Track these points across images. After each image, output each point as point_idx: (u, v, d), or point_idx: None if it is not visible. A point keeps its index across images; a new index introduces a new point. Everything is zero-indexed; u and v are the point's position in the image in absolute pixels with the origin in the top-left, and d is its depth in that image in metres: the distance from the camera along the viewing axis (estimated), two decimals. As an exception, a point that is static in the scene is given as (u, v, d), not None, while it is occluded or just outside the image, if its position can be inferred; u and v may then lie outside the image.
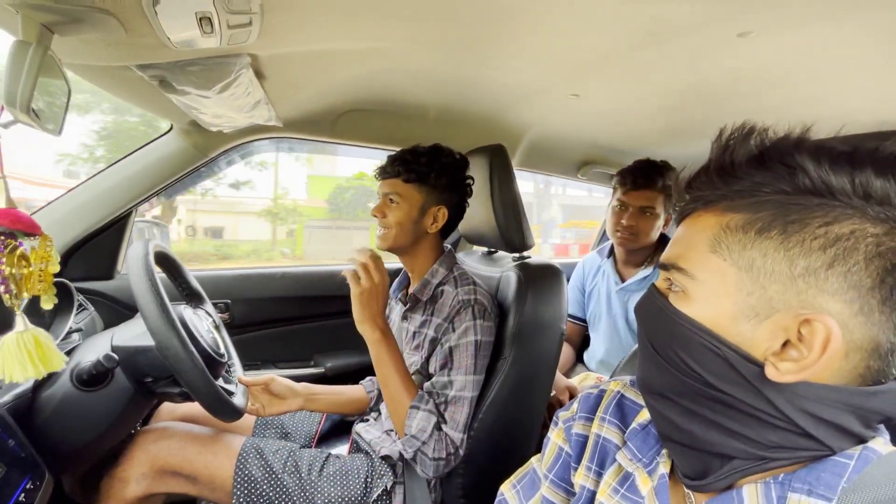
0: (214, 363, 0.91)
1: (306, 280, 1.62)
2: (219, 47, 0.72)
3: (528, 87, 1.20)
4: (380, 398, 1.22)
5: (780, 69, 0.97)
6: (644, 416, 0.52)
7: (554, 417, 0.61)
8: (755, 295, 0.38)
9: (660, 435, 0.47)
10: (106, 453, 0.93)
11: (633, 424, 0.52)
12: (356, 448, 1.14)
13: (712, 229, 0.40)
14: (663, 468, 0.46)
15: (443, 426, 0.96)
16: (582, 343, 1.73)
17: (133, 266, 0.82)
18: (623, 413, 0.54)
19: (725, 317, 0.39)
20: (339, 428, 1.24)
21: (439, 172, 1.04)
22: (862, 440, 0.38)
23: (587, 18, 0.81)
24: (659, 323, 0.43)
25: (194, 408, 1.10)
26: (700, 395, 0.40)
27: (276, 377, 1.11)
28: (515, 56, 1.00)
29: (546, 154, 1.74)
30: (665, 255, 0.45)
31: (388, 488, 1.00)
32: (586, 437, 0.55)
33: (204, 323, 0.97)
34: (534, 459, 0.62)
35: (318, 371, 1.57)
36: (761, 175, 0.38)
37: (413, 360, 1.07)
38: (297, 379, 1.17)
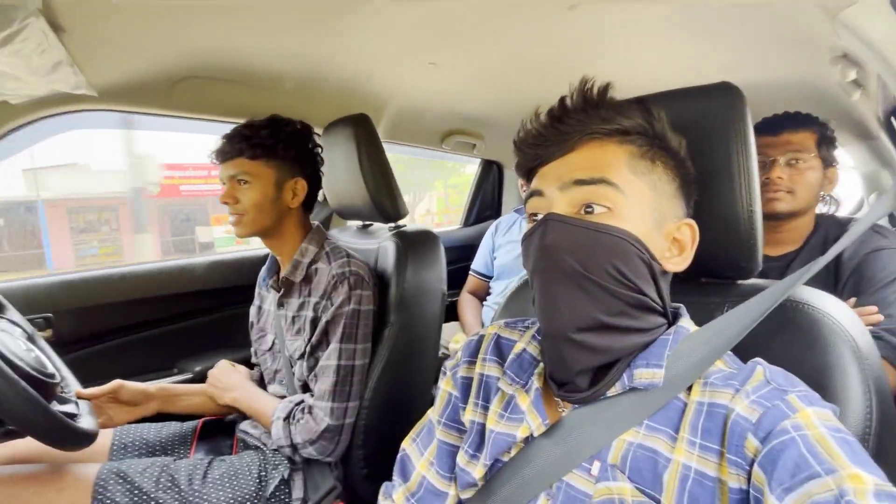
0: (44, 385, 0.74)
1: (156, 278, 1.40)
2: (-11, -15, 0.56)
3: (387, 55, 1.19)
4: (264, 389, 1.15)
5: (605, 40, 1.12)
6: (518, 348, 0.59)
7: (442, 368, 0.66)
8: (657, 210, 0.48)
9: (570, 371, 0.48)
10: None
11: (510, 356, 0.59)
12: (244, 446, 1.06)
13: (624, 156, 0.48)
14: (537, 384, 0.54)
15: (310, 401, 0.95)
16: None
17: None
18: (500, 350, 0.61)
19: (647, 228, 0.47)
20: (219, 430, 1.13)
21: (287, 143, 1.00)
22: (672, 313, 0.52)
23: None
24: (595, 244, 0.45)
25: (21, 445, 0.89)
26: (629, 303, 0.47)
27: (125, 382, 0.98)
28: (370, 20, 0.98)
29: (410, 125, 1.76)
30: (583, 172, 0.46)
31: (286, 477, 0.95)
32: (471, 379, 0.61)
33: (16, 339, 0.79)
34: (429, 412, 0.66)
35: (184, 378, 1.40)
36: (630, 116, 0.49)
37: (296, 345, 1.02)
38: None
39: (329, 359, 0.95)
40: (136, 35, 0.89)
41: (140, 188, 7.79)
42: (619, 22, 1.00)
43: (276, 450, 0.98)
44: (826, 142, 1.07)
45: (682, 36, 1.08)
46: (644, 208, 0.47)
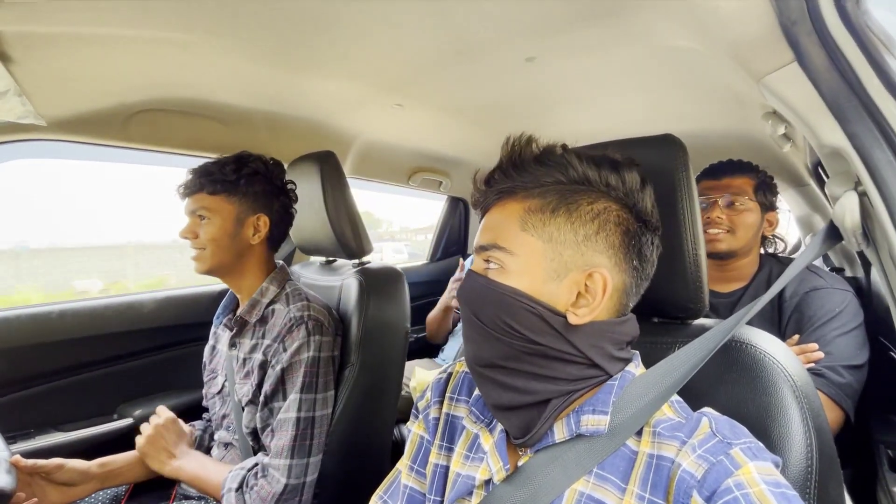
0: None
1: (100, 315, 1.31)
2: (-67, 14, 0.54)
3: (353, 95, 1.22)
4: (210, 439, 1.07)
5: (561, 90, 1.19)
6: None
7: (413, 409, 0.65)
8: (555, 261, 0.48)
9: (490, 406, 0.52)
10: None
11: (475, 393, 0.59)
12: (182, 498, 0.97)
13: (518, 213, 0.50)
14: (501, 426, 0.54)
15: (265, 461, 0.89)
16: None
17: None
18: (469, 388, 0.61)
19: (538, 281, 0.48)
20: (154, 482, 1.03)
21: (249, 179, 0.98)
22: (620, 361, 0.51)
23: (401, 30, 0.86)
24: (485, 298, 0.50)
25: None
26: (523, 352, 0.48)
27: (66, 462, 0.88)
28: (336, 63, 1.01)
29: (376, 162, 1.78)
30: (483, 240, 0.51)
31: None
32: (439, 419, 0.61)
33: None
34: (399, 463, 0.64)
35: (124, 424, 1.29)
36: (543, 169, 0.50)
37: (245, 389, 0.97)
38: (98, 438, 0.94)
39: (287, 411, 0.90)
40: (88, 66, 0.88)
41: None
42: (574, 75, 1.07)
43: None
44: (764, 187, 1.16)
45: (633, 89, 1.17)
46: (535, 262, 0.48)
